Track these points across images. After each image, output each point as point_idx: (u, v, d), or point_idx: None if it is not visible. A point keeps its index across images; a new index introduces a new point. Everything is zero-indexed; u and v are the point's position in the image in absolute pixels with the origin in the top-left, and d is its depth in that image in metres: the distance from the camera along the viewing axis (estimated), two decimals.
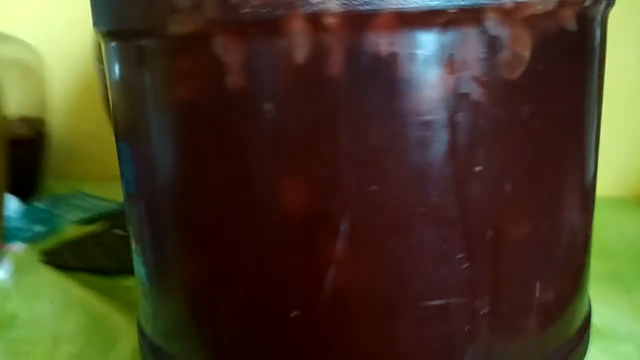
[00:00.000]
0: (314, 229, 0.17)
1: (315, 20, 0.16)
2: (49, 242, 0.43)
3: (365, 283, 0.18)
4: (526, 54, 0.17)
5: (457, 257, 0.18)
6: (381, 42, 0.16)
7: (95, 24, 0.21)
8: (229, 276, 0.19)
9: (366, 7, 0.16)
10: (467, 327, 0.19)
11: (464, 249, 0.18)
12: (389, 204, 0.17)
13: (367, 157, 0.17)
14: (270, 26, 0.16)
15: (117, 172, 0.23)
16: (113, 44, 0.21)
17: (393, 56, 0.16)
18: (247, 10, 0.16)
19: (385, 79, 0.16)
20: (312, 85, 0.16)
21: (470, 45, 0.16)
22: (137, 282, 0.24)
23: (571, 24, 0.18)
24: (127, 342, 0.29)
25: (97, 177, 0.55)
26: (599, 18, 0.19)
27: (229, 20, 0.16)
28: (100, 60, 0.41)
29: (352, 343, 0.18)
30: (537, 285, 0.20)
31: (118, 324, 0.31)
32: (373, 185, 0.17)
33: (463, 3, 0.16)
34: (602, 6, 0.19)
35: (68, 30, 0.56)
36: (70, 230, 0.45)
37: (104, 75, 0.22)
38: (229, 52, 0.17)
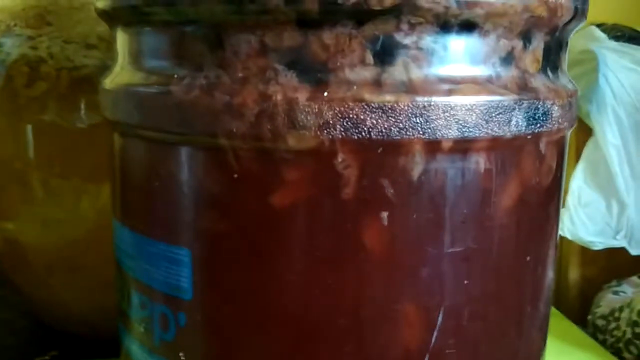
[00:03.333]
0: (414, 323, 0.19)
1: (434, 143, 0.18)
2: None
3: None
4: (554, 165, 0.22)
5: (510, 330, 0.22)
6: (480, 161, 0.19)
7: (144, 122, 0.20)
8: None
9: (473, 134, 0.19)
10: None
11: (517, 321, 0.22)
12: (475, 295, 0.20)
13: (463, 256, 0.20)
14: (394, 147, 0.18)
15: None
16: (173, 146, 0.20)
17: (487, 172, 0.19)
18: (376, 132, 0.18)
19: (479, 189, 0.19)
20: (424, 196, 0.19)
21: (531, 161, 0.21)
22: None
23: (565, 143, 0.24)
24: None
25: None
26: None
27: (357, 141, 0.18)
28: None
29: None
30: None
31: None
32: (465, 279, 0.20)
33: (534, 131, 0.20)
34: None
35: None
36: None
37: None
38: (350, 166, 0.18)
